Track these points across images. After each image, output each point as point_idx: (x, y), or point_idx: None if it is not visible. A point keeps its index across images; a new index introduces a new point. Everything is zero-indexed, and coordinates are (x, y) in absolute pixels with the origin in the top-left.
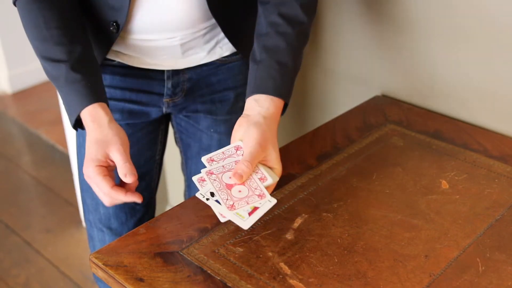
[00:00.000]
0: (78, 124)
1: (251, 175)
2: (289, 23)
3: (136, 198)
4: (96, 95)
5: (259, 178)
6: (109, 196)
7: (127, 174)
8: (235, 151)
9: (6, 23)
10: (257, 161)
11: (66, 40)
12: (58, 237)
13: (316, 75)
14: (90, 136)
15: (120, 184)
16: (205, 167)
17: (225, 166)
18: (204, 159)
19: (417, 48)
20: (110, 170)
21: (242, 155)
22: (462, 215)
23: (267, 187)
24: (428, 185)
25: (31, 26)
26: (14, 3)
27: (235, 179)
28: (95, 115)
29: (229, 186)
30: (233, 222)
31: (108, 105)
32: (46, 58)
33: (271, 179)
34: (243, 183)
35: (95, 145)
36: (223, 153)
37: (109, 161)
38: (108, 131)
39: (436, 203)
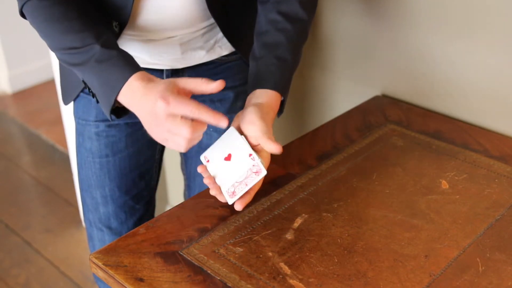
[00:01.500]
0: (114, 112)
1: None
2: (289, 20)
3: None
4: (136, 65)
5: (254, 172)
6: (197, 114)
7: (215, 83)
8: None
9: (6, 23)
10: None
11: (90, 26)
12: (58, 237)
13: (316, 75)
14: (150, 84)
15: None
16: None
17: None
18: (202, 156)
19: (417, 48)
20: None
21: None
22: (462, 215)
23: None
24: (428, 185)
25: (47, 22)
26: (21, 12)
27: (278, 148)
28: (148, 76)
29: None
30: (233, 222)
31: None
32: (70, 48)
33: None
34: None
35: (164, 82)
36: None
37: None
38: (168, 79)
39: (436, 203)
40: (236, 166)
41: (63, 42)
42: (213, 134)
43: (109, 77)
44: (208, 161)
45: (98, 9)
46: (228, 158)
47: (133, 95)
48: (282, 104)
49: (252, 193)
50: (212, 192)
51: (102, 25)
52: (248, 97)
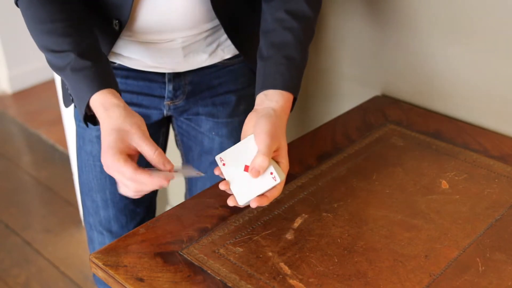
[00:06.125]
0: (89, 119)
1: (266, 168)
2: (295, 18)
3: (163, 180)
4: (105, 81)
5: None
6: (133, 180)
7: (164, 162)
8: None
9: (6, 23)
10: (272, 152)
11: (72, 31)
12: (58, 237)
13: (316, 75)
14: (104, 126)
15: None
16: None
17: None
18: (217, 157)
19: (417, 48)
20: (132, 159)
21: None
22: (462, 215)
23: (274, 187)
24: (428, 185)
25: (34, 21)
26: (16, 3)
27: (252, 174)
28: (105, 103)
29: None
30: (233, 222)
31: (120, 92)
32: (51, 51)
33: (279, 179)
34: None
35: (112, 134)
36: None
37: (131, 150)
38: (123, 120)
39: (436, 203)
40: (256, 181)
41: (45, 42)
42: (215, 138)
43: (80, 88)
44: (224, 164)
45: (98, 6)
46: (247, 169)
47: (99, 118)
48: (293, 101)
49: (271, 198)
50: (229, 202)
51: (88, 30)
52: (260, 98)
